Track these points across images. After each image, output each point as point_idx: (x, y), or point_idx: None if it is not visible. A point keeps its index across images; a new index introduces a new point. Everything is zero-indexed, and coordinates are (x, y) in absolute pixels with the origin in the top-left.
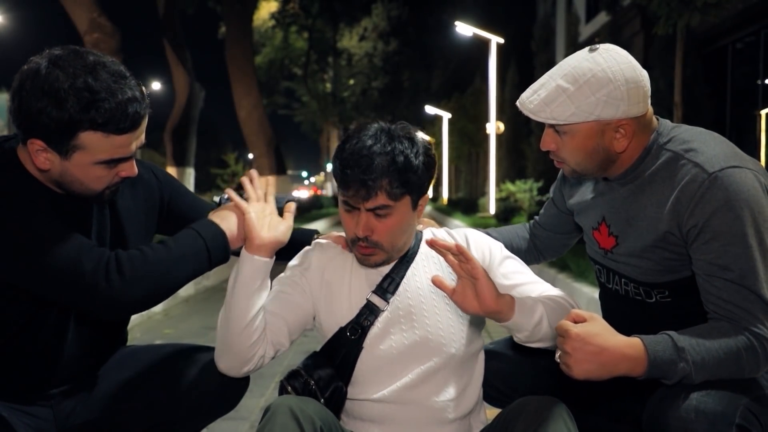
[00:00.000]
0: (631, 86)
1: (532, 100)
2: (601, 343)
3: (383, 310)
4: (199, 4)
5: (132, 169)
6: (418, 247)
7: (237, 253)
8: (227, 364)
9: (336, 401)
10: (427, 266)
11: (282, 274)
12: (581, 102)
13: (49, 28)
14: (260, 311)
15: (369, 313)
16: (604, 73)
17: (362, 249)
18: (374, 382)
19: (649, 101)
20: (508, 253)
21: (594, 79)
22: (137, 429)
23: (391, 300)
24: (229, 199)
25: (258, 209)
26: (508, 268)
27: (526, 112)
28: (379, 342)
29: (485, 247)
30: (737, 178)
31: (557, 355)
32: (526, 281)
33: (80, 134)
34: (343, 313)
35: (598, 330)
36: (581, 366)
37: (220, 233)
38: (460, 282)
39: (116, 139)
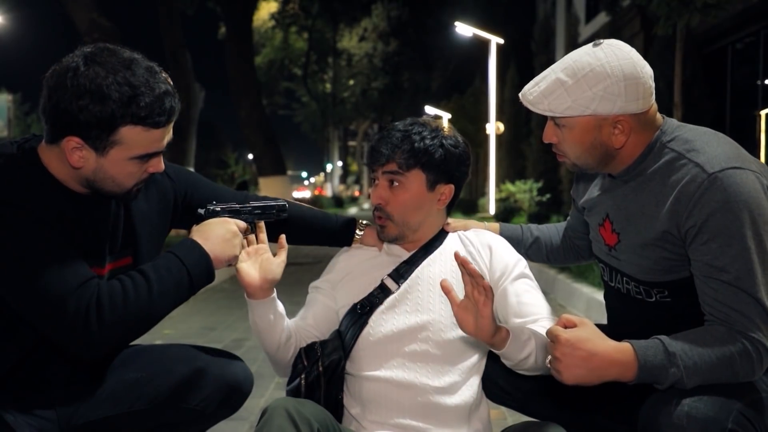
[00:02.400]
0: (629, 82)
1: (532, 92)
2: (590, 348)
3: (393, 292)
4: (199, 5)
5: (160, 164)
6: (441, 243)
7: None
8: (280, 373)
9: (332, 372)
10: (444, 262)
11: (315, 282)
12: (578, 96)
13: (49, 28)
14: (285, 332)
15: (380, 292)
16: (603, 68)
17: (377, 219)
18: (371, 359)
19: (652, 99)
20: (527, 272)
21: (592, 74)
22: (140, 430)
23: (402, 284)
24: (214, 212)
25: (245, 257)
26: (521, 286)
27: (525, 104)
28: (383, 320)
29: (507, 261)
30: (737, 179)
31: (548, 360)
32: (531, 302)
33: (120, 129)
34: (359, 292)
35: (587, 335)
36: (571, 371)
37: (204, 257)
38: (466, 300)
39: (153, 133)
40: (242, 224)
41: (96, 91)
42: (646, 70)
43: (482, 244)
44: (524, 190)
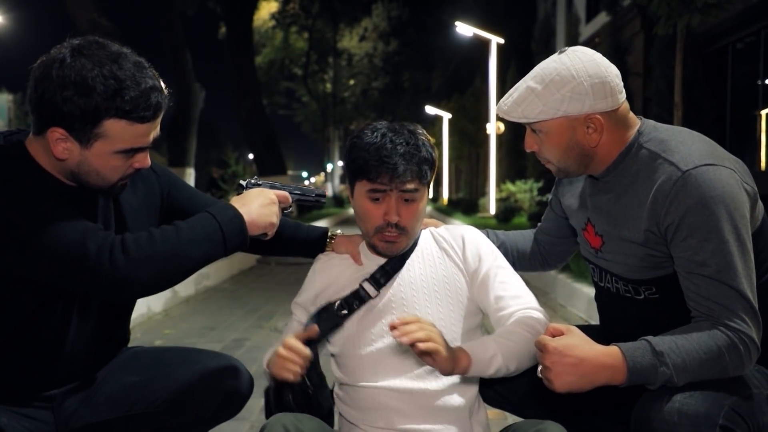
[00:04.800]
0: (595, 81)
1: (506, 102)
2: (578, 354)
3: (372, 297)
4: (199, 5)
5: (146, 160)
6: (417, 243)
7: (256, 239)
8: None
9: (315, 383)
10: (423, 262)
11: (296, 298)
12: (548, 99)
13: (50, 28)
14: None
15: (357, 296)
16: (568, 71)
17: (389, 236)
18: (366, 370)
19: (621, 97)
20: (501, 262)
21: (558, 77)
22: None
23: (382, 290)
24: (255, 185)
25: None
26: (495, 278)
27: (501, 114)
28: (371, 328)
29: (481, 252)
30: (711, 176)
31: (539, 370)
32: (507, 295)
33: (104, 122)
34: (336, 294)
35: (575, 342)
36: (562, 379)
37: (238, 217)
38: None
39: (138, 127)
40: (281, 193)
41: (81, 83)
42: (611, 70)
43: (454, 238)
44: (524, 190)
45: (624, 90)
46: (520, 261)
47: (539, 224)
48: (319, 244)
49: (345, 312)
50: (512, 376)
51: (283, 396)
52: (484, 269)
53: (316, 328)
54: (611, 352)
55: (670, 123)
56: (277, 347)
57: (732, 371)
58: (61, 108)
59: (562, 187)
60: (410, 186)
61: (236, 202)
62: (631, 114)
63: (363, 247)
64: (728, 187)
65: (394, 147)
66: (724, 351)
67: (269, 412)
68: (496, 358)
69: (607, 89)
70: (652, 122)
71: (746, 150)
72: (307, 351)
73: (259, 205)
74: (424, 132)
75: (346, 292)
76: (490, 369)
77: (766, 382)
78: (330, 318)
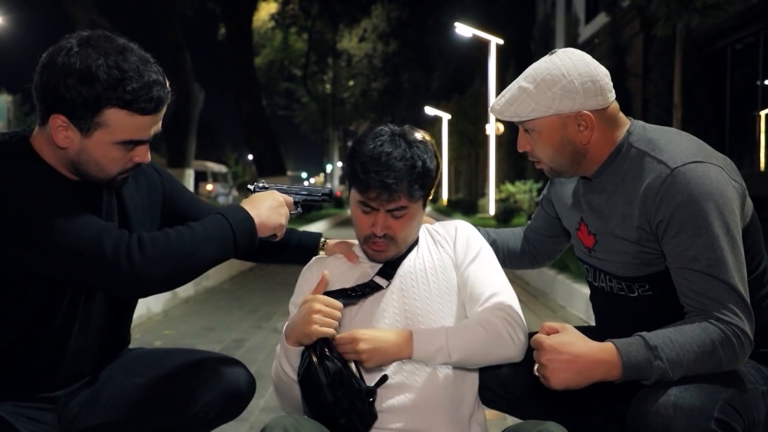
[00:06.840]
0: (585, 80)
1: (499, 102)
2: (573, 351)
3: (383, 287)
4: (199, 5)
5: (146, 155)
6: (417, 240)
7: (266, 241)
8: (292, 407)
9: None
10: (421, 255)
11: (294, 299)
12: (540, 98)
13: (50, 29)
14: None
15: (368, 286)
16: (558, 70)
17: (377, 246)
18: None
19: (611, 96)
20: (486, 257)
21: (549, 76)
22: None
23: (392, 281)
24: (264, 188)
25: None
26: (475, 273)
27: (494, 115)
28: (373, 317)
29: (469, 245)
30: (699, 173)
31: (535, 368)
32: (484, 291)
33: (105, 111)
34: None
35: (570, 339)
36: (558, 375)
37: (248, 219)
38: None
39: (138, 119)
40: (289, 198)
41: (84, 71)
42: (601, 69)
43: (447, 231)
44: (524, 191)
45: (613, 90)
46: (510, 258)
47: (529, 222)
48: (312, 248)
49: (358, 294)
50: (510, 375)
51: (326, 366)
52: (467, 262)
53: (327, 274)
54: (606, 348)
55: (670, 124)
56: (298, 316)
57: (726, 365)
58: (63, 95)
59: (555, 189)
60: (398, 204)
61: (246, 204)
62: (621, 114)
63: (357, 248)
64: (716, 183)
65: (387, 161)
66: (717, 344)
67: (315, 401)
68: (441, 351)
69: (597, 88)
70: (641, 123)
71: (745, 150)
72: (338, 303)
73: (268, 207)
74: (426, 139)
75: (347, 286)
76: (433, 361)
77: (761, 379)
78: (342, 296)
